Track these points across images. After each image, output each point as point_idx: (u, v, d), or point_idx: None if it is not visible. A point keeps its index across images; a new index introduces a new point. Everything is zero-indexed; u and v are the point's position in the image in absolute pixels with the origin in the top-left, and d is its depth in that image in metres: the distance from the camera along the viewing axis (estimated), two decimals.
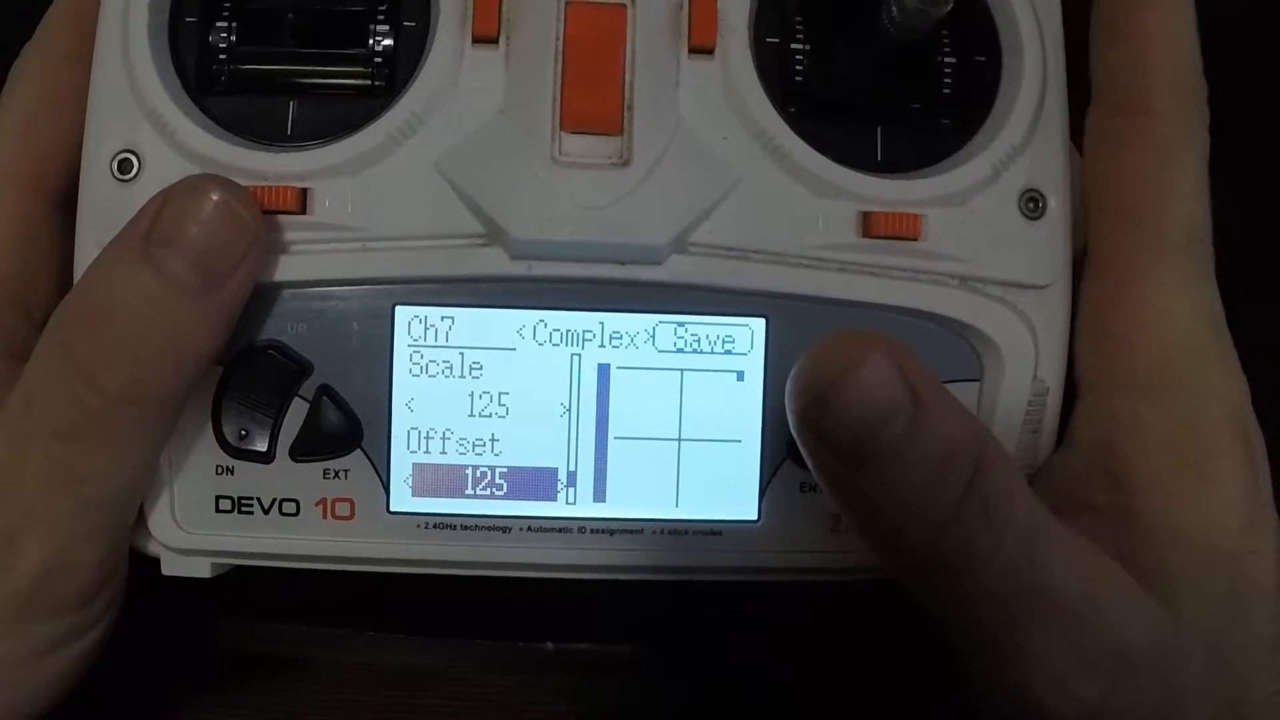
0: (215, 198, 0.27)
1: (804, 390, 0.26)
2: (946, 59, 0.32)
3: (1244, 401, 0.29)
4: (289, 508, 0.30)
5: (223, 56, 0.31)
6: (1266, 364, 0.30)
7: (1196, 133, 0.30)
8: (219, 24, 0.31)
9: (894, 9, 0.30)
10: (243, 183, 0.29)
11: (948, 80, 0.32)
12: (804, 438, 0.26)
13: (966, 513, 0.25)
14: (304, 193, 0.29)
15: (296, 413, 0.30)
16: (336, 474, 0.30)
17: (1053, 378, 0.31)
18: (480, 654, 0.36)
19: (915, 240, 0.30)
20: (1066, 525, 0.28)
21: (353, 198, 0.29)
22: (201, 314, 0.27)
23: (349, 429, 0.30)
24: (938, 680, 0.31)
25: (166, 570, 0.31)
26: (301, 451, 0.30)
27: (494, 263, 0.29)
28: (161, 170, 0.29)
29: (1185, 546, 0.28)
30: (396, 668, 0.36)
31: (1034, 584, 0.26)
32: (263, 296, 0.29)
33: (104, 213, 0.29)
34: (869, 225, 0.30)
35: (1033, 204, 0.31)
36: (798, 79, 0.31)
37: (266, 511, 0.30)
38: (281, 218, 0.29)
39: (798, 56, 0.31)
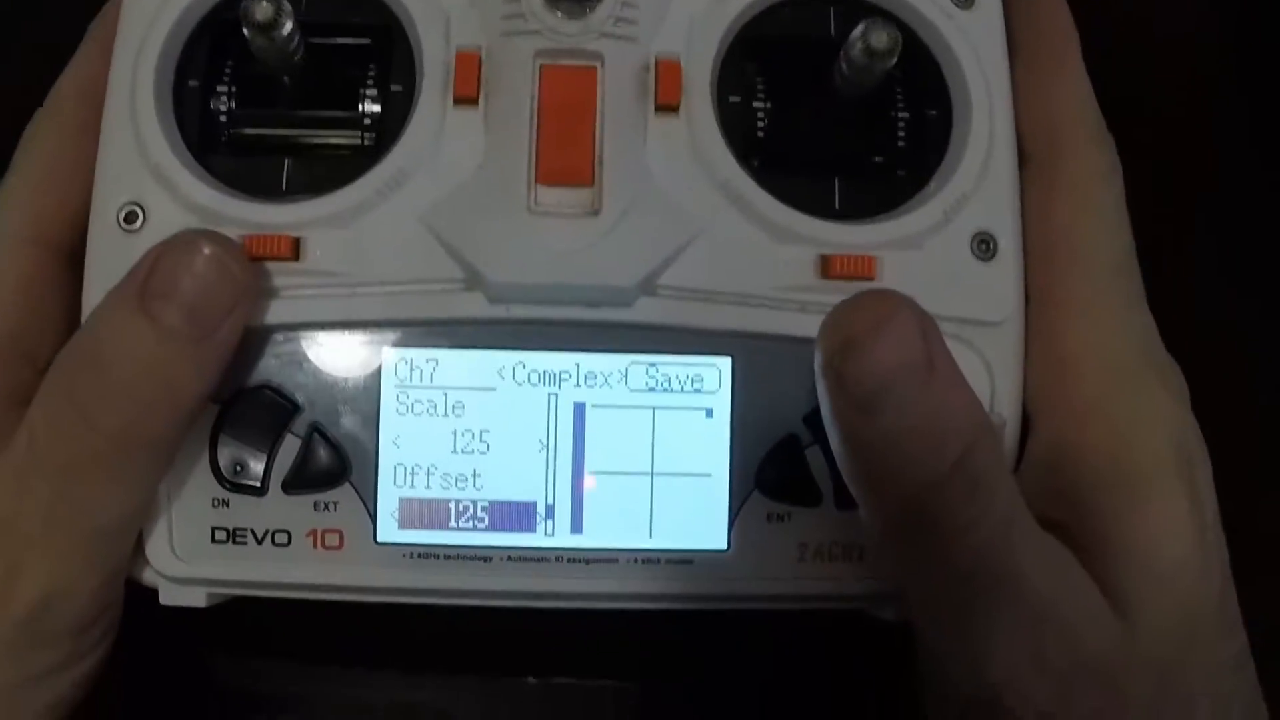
0: (207, 252, 0.29)
1: (833, 335, 0.28)
2: (900, 113, 0.34)
3: (1184, 424, 0.31)
4: (281, 538, 0.32)
5: (223, 119, 0.33)
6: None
7: (1111, 177, 0.33)
8: (219, 88, 0.33)
9: (844, 66, 0.32)
10: (240, 232, 0.31)
11: (901, 133, 0.34)
12: (826, 382, 0.28)
13: (955, 480, 0.27)
14: (297, 241, 0.31)
15: (289, 449, 0.32)
16: (326, 506, 0.32)
17: (1010, 411, 0.32)
18: (468, 689, 0.37)
19: (871, 280, 0.32)
20: None
21: (342, 246, 0.31)
22: (195, 360, 0.29)
23: (338, 464, 0.32)
24: (902, 707, 0.32)
25: (164, 599, 0.32)
26: (293, 485, 0.32)
27: (474, 306, 0.31)
28: (165, 221, 0.31)
29: (1135, 563, 0.29)
30: (385, 704, 0.37)
31: (1004, 568, 0.28)
32: (258, 339, 0.31)
33: (111, 261, 0.31)
34: (827, 267, 0.32)
35: (984, 245, 0.33)
36: (759, 134, 0.33)
37: (260, 542, 0.32)
38: (276, 265, 0.31)
39: (759, 113, 0.33)
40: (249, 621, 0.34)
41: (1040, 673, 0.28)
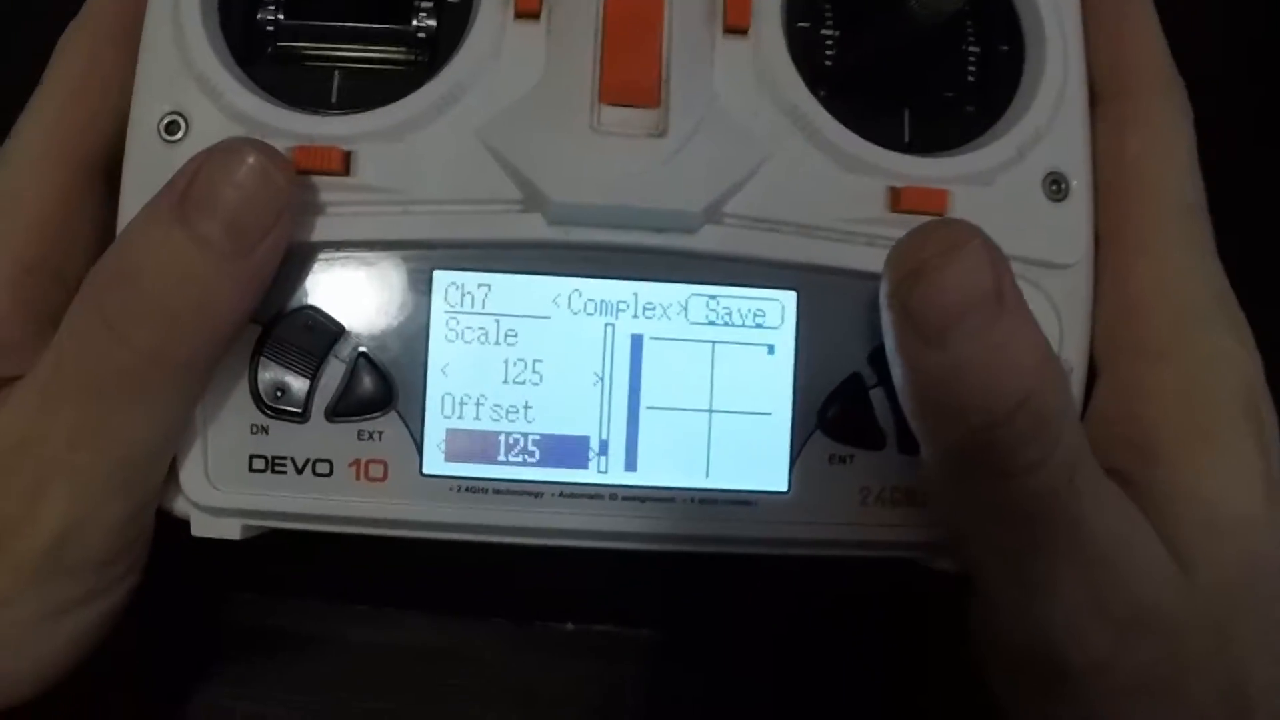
0: (250, 161, 0.27)
1: (901, 264, 0.27)
2: (972, 48, 0.33)
3: (1256, 373, 0.30)
4: (323, 468, 0.30)
5: (270, 29, 0.31)
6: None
7: (1183, 116, 0.32)
8: None
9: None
10: (287, 144, 0.29)
11: (973, 66, 0.33)
12: (893, 311, 0.27)
13: (1021, 417, 0.26)
14: (347, 155, 0.30)
15: (333, 374, 0.30)
16: (371, 435, 0.30)
17: (1077, 357, 0.32)
18: (501, 633, 0.36)
19: (942, 215, 0.31)
20: None
21: (395, 161, 0.30)
22: (233, 276, 0.27)
23: (384, 392, 0.30)
24: (959, 660, 0.31)
25: (196, 531, 0.31)
26: (337, 412, 0.30)
27: (532, 227, 0.30)
28: (208, 131, 0.30)
29: (1199, 513, 0.28)
30: (418, 645, 0.36)
31: (1068, 512, 0.27)
32: (302, 257, 0.30)
33: (149, 173, 0.29)
34: (897, 200, 0.31)
35: (1056, 186, 0.32)
36: (828, 62, 0.32)
37: (300, 471, 0.30)
38: (324, 179, 0.30)
39: (828, 40, 0.32)
40: (272, 556, 0.33)
41: (1099, 621, 0.27)
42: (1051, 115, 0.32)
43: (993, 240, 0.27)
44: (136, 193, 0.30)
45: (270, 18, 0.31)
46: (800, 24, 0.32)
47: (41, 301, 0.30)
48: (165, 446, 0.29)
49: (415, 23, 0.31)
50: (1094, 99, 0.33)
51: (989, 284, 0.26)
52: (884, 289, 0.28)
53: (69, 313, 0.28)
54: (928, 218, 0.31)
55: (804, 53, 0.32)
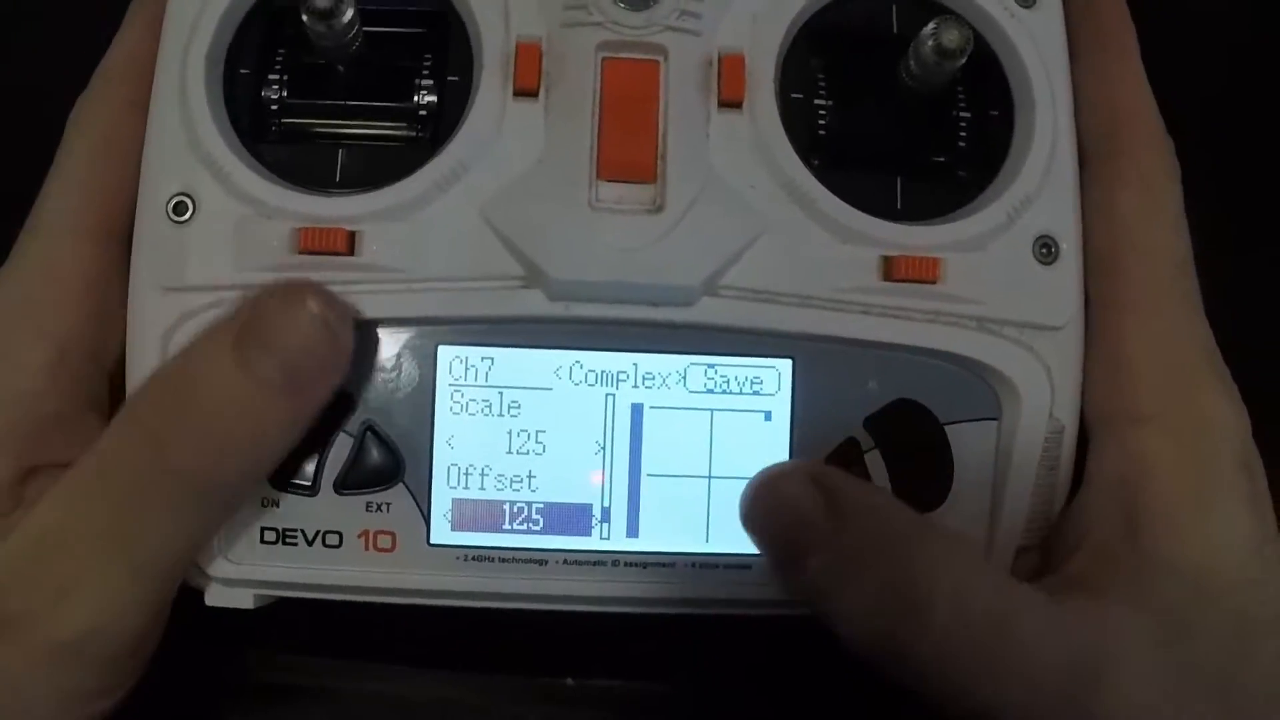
0: (314, 311, 0.28)
1: (741, 500, 0.29)
2: (962, 113, 0.33)
3: (1247, 432, 0.30)
4: (332, 539, 0.31)
5: (274, 108, 0.32)
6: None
7: (1175, 178, 0.32)
8: (271, 77, 0.32)
9: (912, 64, 0.31)
10: (293, 224, 0.30)
11: (964, 133, 0.33)
12: (753, 541, 0.29)
13: (898, 604, 0.27)
14: (352, 235, 0.30)
15: (341, 447, 0.31)
16: (379, 507, 0.31)
17: (1068, 417, 0.32)
18: (505, 687, 0.37)
19: (934, 284, 0.31)
20: (1075, 574, 0.29)
21: (398, 241, 0.30)
22: (282, 415, 0.28)
23: (392, 464, 0.31)
24: None
25: (210, 601, 0.31)
26: (345, 485, 0.31)
27: (533, 304, 0.31)
28: (216, 212, 0.30)
29: (1195, 579, 0.29)
30: (421, 700, 0.36)
31: (1011, 668, 0.27)
32: None
33: (159, 252, 0.30)
34: (890, 269, 0.31)
35: (1046, 249, 0.32)
36: (821, 132, 0.33)
37: (310, 543, 0.31)
38: (330, 259, 0.30)
39: (821, 111, 0.33)
40: (281, 614, 0.33)
41: None
42: (1042, 179, 0.32)
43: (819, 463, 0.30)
44: (146, 271, 0.31)
45: (275, 96, 0.32)
46: (794, 95, 0.33)
47: (78, 379, 0.31)
48: (189, 558, 0.30)
49: (417, 100, 0.32)
50: (1083, 158, 0.33)
51: (811, 499, 0.28)
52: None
53: (116, 422, 0.28)
54: (921, 286, 0.31)
55: (798, 123, 0.32)
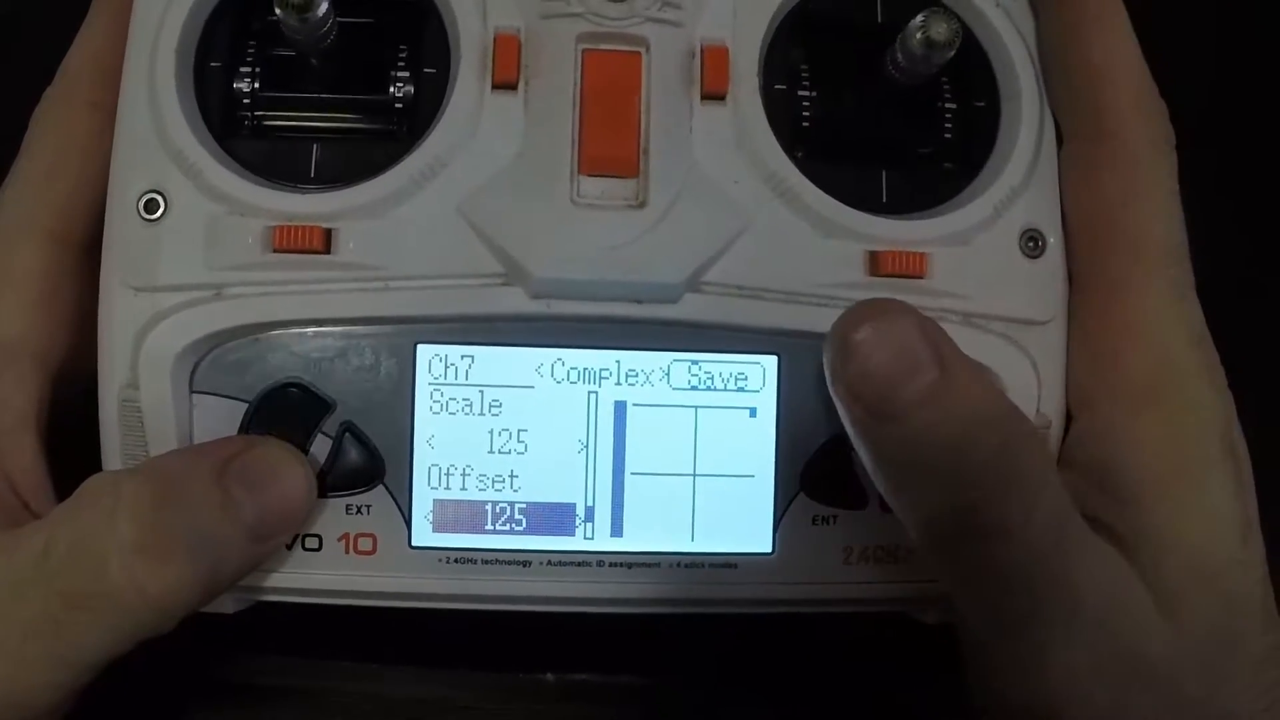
0: (305, 484, 0.29)
1: (834, 348, 0.28)
2: (948, 105, 0.33)
3: (1231, 417, 0.30)
4: (312, 543, 0.30)
5: (247, 102, 0.31)
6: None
7: (1164, 150, 0.31)
8: (243, 70, 0.31)
9: (898, 55, 0.31)
10: (268, 222, 0.29)
11: (949, 125, 0.33)
12: (835, 391, 0.28)
13: (991, 481, 0.26)
14: (328, 233, 0.30)
15: (320, 449, 0.30)
16: (359, 509, 0.30)
17: (1054, 411, 0.32)
18: (484, 685, 0.36)
19: (921, 278, 0.31)
20: None
21: (375, 238, 0.30)
22: (245, 552, 0.28)
23: (371, 465, 0.30)
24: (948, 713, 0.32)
25: None
26: (325, 487, 0.30)
27: (514, 302, 0.30)
28: (188, 209, 0.30)
29: (1182, 559, 0.29)
30: (402, 698, 0.36)
31: (1058, 574, 0.27)
32: (287, 335, 0.30)
33: (130, 251, 0.30)
34: (876, 264, 0.31)
35: (1033, 243, 0.32)
36: (805, 124, 0.32)
37: (289, 546, 0.30)
38: (306, 257, 0.30)
39: (805, 103, 0.32)
40: (262, 615, 0.33)
41: (1099, 681, 0.28)
42: (1028, 173, 0.32)
43: (914, 309, 0.28)
44: (117, 269, 0.30)
45: (247, 89, 0.31)
46: (777, 86, 0.32)
47: (21, 387, 0.30)
48: (116, 658, 0.28)
49: (392, 92, 0.31)
50: (1061, 135, 0.32)
51: (921, 350, 0.27)
52: (828, 377, 0.28)
53: (74, 508, 0.27)
54: (908, 281, 0.31)
55: (782, 115, 0.32)
